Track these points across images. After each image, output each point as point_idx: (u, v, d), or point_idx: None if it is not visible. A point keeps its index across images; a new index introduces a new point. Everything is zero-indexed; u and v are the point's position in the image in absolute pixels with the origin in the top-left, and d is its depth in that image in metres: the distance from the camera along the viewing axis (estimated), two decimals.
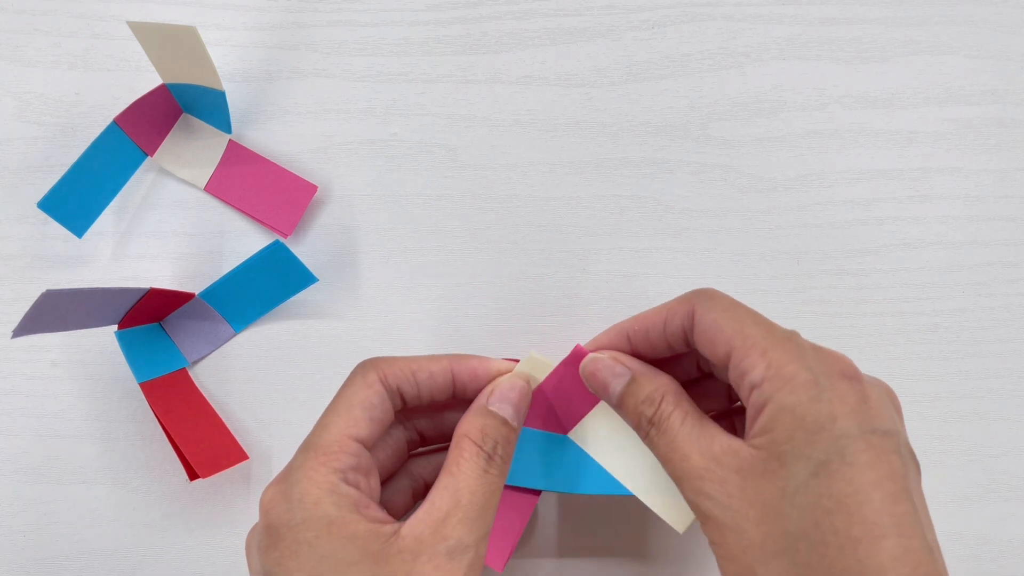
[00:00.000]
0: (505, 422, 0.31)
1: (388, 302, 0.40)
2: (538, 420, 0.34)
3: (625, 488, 0.33)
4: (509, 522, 0.34)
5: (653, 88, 0.41)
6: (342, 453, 0.30)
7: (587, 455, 0.34)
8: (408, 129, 0.41)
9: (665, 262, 0.40)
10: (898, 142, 0.41)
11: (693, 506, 0.28)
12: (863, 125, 0.41)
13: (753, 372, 0.28)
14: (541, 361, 0.33)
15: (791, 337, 0.28)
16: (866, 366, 0.39)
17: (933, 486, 0.40)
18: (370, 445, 0.31)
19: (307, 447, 0.30)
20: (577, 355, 0.33)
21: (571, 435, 0.34)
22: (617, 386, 0.31)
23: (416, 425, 0.35)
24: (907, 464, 0.26)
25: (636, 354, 0.33)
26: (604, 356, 0.32)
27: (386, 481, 0.35)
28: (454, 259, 0.40)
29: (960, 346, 0.40)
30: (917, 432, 0.40)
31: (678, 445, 0.29)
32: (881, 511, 0.25)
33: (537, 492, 0.35)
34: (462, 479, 0.30)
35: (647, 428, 0.30)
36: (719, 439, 0.28)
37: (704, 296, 0.31)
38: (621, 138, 0.41)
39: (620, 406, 0.31)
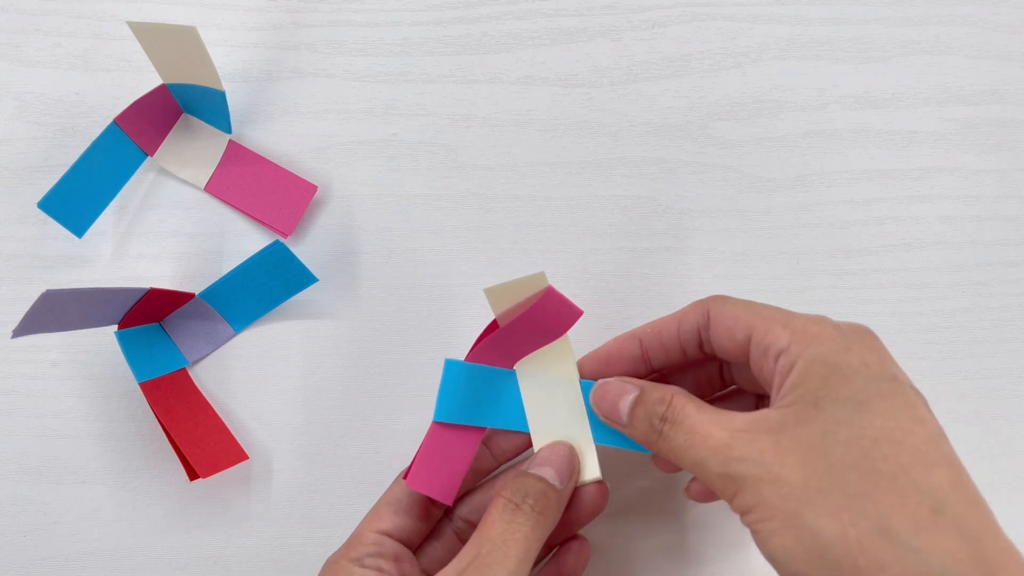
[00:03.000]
0: (540, 479, 0.31)
1: (388, 302, 0.40)
2: (492, 355, 0.34)
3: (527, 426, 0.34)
4: (456, 456, 0.34)
5: (653, 88, 0.41)
6: (360, 545, 0.32)
7: (518, 393, 0.34)
8: (408, 129, 0.41)
9: (665, 262, 0.40)
10: (898, 142, 0.41)
11: (723, 481, 0.27)
12: (863, 125, 0.41)
13: (779, 341, 0.28)
14: (540, 281, 0.32)
15: (810, 315, 0.29)
16: None
17: None
18: (405, 537, 0.33)
19: (339, 549, 0.33)
20: (550, 295, 0.32)
21: (516, 367, 0.34)
22: (627, 401, 0.31)
23: (463, 515, 0.36)
24: (935, 417, 0.27)
25: (647, 360, 0.33)
26: (612, 380, 0.32)
27: None
28: (454, 259, 0.40)
29: (960, 346, 0.40)
30: None
31: (698, 429, 0.28)
32: (928, 444, 0.25)
33: (482, 429, 0.34)
34: (484, 530, 0.30)
35: (660, 426, 0.29)
36: (739, 416, 0.28)
37: (718, 297, 0.31)
38: (621, 138, 0.41)
39: (632, 418, 0.31)
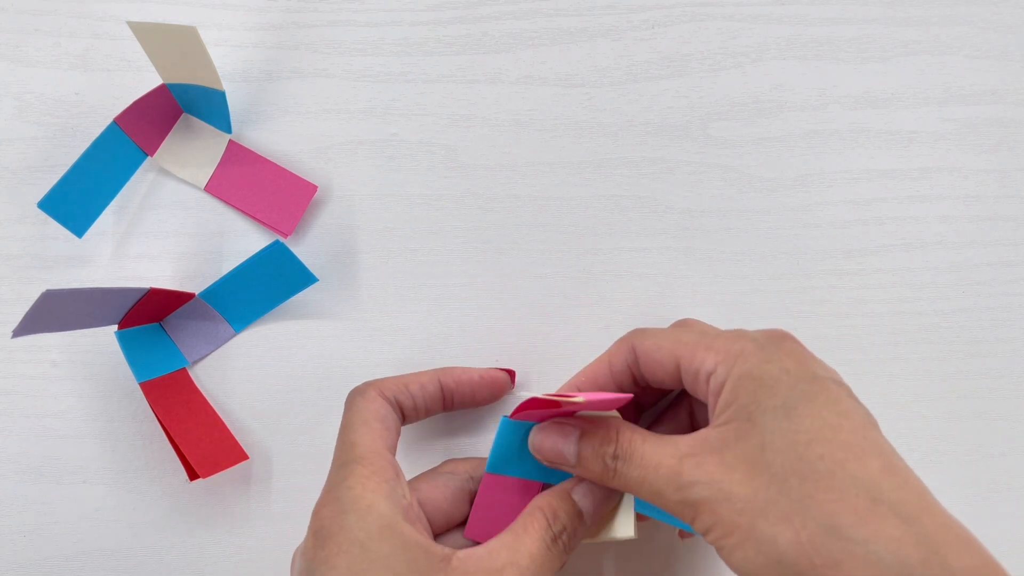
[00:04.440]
0: (580, 515, 0.31)
1: (388, 302, 0.40)
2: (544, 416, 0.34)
3: None
4: (509, 508, 0.34)
5: (653, 88, 0.41)
6: (382, 463, 0.30)
7: None
8: (408, 129, 0.41)
9: (665, 262, 0.40)
10: (898, 142, 0.41)
11: (681, 507, 0.28)
12: (863, 125, 0.41)
13: (705, 363, 0.29)
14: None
15: (728, 331, 0.30)
16: (866, 366, 0.40)
17: (933, 486, 0.40)
18: (394, 455, 0.32)
19: (343, 463, 0.30)
20: (604, 403, 0.32)
21: None
22: (570, 445, 0.31)
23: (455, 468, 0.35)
24: (861, 404, 0.28)
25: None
26: (547, 424, 0.32)
27: None
28: (454, 259, 0.40)
29: (960, 346, 0.40)
30: (917, 432, 0.40)
31: (647, 460, 0.29)
32: (856, 435, 0.26)
33: (540, 484, 0.34)
34: (527, 541, 0.30)
35: (613, 465, 0.30)
36: (682, 440, 0.29)
37: (638, 332, 0.33)
38: (621, 138, 0.41)
39: (581, 461, 0.31)
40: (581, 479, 0.32)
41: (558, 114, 0.41)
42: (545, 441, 0.31)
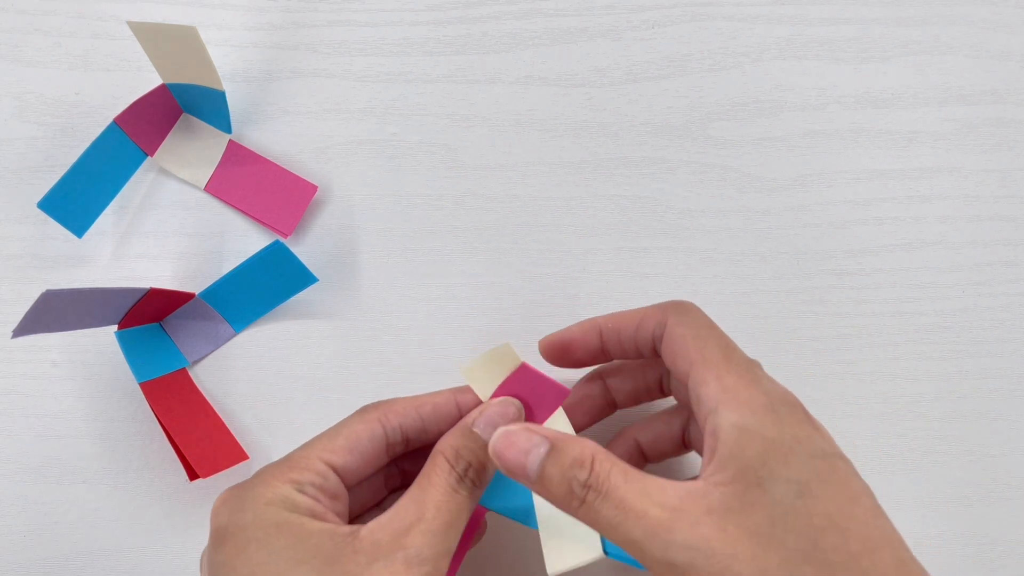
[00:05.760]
0: (485, 446, 0.30)
1: (388, 302, 0.40)
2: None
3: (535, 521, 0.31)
4: None
5: (653, 88, 0.41)
6: (306, 470, 0.29)
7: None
8: (408, 129, 0.41)
9: (665, 262, 0.40)
10: (898, 142, 0.41)
11: (661, 567, 0.25)
12: (863, 125, 0.41)
13: (708, 399, 0.27)
14: (510, 354, 0.31)
15: (750, 366, 0.28)
16: (866, 366, 0.40)
17: (933, 486, 0.40)
18: (346, 476, 0.30)
19: (275, 462, 0.30)
20: (525, 371, 0.31)
21: None
22: (535, 458, 0.28)
23: (401, 465, 0.34)
24: (864, 482, 0.27)
25: (604, 350, 0.32)
26: (515, 428, 0.29)
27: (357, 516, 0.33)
28: (454, 259, 0.40)
29: (960, 346, 0.40)
30: (917, 432, 0.40)
31: (629, 504, 0.26)
32: (868, 526, 0.25)
33: (483, 509, 0.33)
34: (431, 492, 0.29)
35: (583, 494, 0.27)
36: (671, 488, 0.26)
37: (679, 309, 0.31)
38: (621, 138, 0.41)
39: (542, 479, 0.27)
40: (484, 410, 0.31)
41: (558, 114, 0.41)
42: (509, 449, 0.28)
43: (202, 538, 0.39)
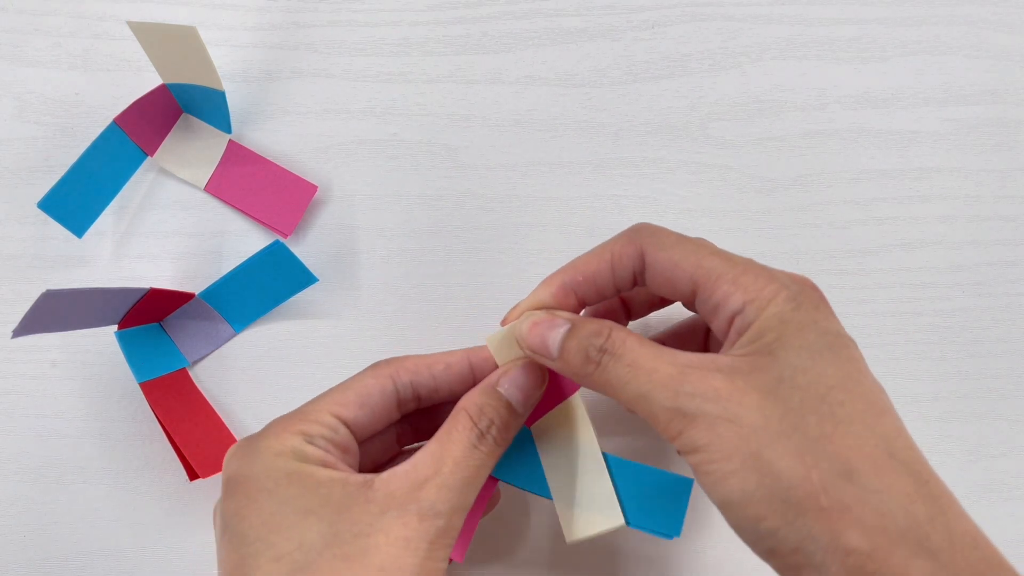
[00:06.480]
0: (508, 406, 0.30)
1: (388, 302, 0.40)
2: None
3: (548, 491, 0.32)
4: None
5: (653, 88, 0.41)
6: (316, 423, 0.29)
7: (535, 450, 0.33)
8: (408, 129, 0.41)
9: None
10: (898, 142, 0.41)
11: (670, 415, 0.26)
12: (863, 125, 0.41)
13: (731, 300, 0.27)
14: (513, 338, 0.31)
15: (751, 263, 0.29)
16: None
17: None
18: (357, 430, 0.30)
19: (284, 415, 0.30)
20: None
21: (532, 428, 0.33)
22: (559, 333, 0.29)
23: (414, 422, 0.34)
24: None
25: (581, 304, 0.32)
26: (540, 313, 0.30)
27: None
28: (454, 259, 0.40)
29: (960, 346, 0.40)
30: (917, 432, 0.39)
31: (641, 363, 0.27)
32: (874, 394, 0.26)
33: (495, 480, 0.34)
34: (449, 447, 0.29)
35: (598, 357, 0.28)
36: (684, 354, 0.27)
37: (649, 233, 0.30)
38: (621, 138, 0.41)
39: (562, 353, 0.29)
40: (507, 371, 0.31)
41: (558, 114, 0.41)
42: (533, 331, 0.29)
43: (202, 538, 0.39)
